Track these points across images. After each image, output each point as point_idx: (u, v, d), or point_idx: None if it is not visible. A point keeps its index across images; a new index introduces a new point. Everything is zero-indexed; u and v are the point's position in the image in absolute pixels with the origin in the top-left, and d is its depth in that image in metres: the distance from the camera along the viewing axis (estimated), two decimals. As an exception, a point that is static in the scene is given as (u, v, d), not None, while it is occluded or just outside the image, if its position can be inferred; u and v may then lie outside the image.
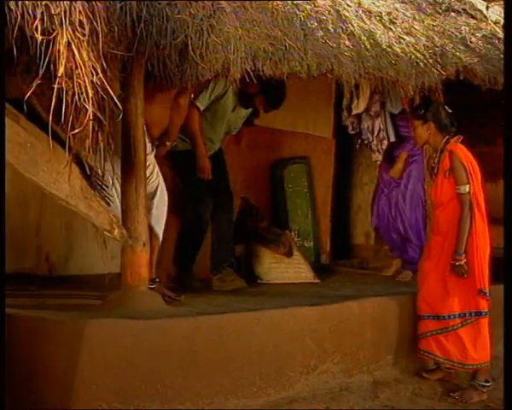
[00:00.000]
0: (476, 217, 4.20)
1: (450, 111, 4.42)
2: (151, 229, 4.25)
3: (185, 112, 4.66)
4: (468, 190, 4.18)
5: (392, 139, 5.58)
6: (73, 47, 2.85)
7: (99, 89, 2.97)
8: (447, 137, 4.32)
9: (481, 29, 5.16)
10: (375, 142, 5.56)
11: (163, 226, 4.38)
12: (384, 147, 5.57)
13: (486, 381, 4.24)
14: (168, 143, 4.55)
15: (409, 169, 5.60)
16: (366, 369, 4.26)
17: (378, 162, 5.82)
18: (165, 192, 4.44)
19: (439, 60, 4.69)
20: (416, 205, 5.60)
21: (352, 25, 4.37)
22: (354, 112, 5.37)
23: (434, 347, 4.30)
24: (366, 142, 5.76)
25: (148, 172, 4.09)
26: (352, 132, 5.84)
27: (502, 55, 4.90)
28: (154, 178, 4.34)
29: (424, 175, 5.56)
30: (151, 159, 4.27)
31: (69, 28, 2.82)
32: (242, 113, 5.33)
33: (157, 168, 4.40)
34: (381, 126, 5.49)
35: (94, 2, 2.99)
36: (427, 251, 4.47)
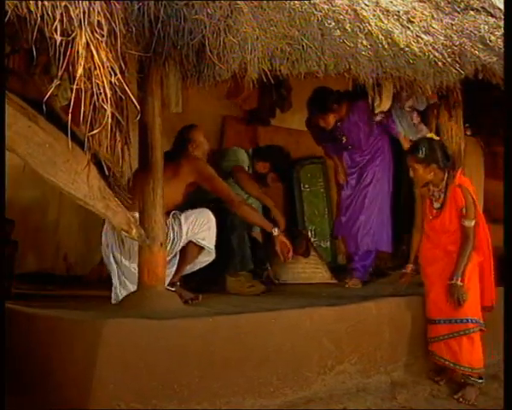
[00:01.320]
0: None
1: (442, 143, 4.51)
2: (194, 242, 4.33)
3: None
4: (473, 224, 4.28)
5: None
6: (92, 48, 2.87)
7: (117, 89, 2.99)
8: (448, 171, 4.36)
9: (500, 27, 5.10)
10: (415, 135, 5.47)
11: (213, 242, 4.39)
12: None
13: (480, 377, 4.26)
14: (279, 232, 4.62)
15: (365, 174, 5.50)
16: (383, 370, 4.23)
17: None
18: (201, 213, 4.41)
19: (457, 59, 4.65)
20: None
21: (369, 24, 4.35)
22: (377, 110, 5.29)
23: (445, 351, 4.28)
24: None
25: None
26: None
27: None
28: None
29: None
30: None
31: (88, 29, 2.85)
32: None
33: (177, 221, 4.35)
34: (418, 119, 5.42)
35: (112, 3, 3.01)
36: (430, 256, 4.43)
